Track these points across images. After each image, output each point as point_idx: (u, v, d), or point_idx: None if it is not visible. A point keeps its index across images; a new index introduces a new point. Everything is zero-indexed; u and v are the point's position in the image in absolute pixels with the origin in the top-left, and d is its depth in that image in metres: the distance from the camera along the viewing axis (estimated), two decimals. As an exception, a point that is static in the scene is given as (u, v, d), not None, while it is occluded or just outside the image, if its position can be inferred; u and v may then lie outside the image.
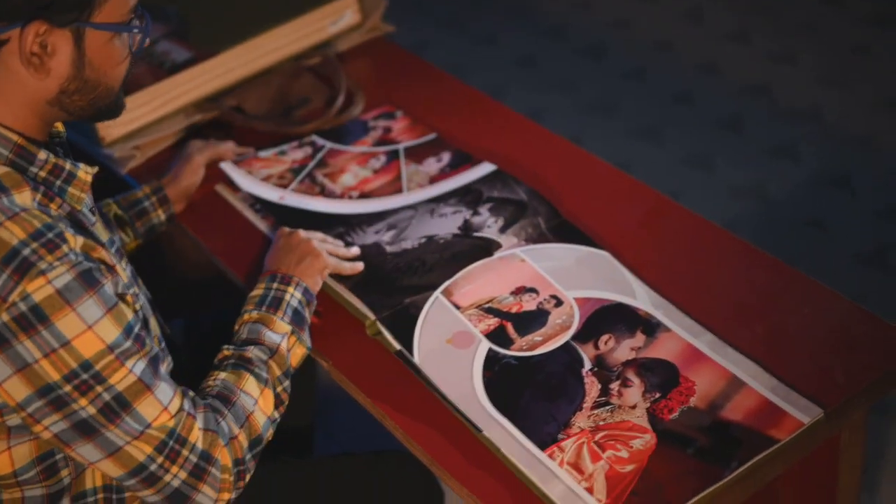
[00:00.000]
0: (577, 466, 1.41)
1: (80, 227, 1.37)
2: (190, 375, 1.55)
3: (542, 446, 1.44)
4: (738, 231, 1.75)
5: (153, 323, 1.50)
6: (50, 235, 1.29)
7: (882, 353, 1.53)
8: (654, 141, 3.28)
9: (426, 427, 1.51)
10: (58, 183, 1.39)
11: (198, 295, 2.20)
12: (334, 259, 1.70)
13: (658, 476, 1.39)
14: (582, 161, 1.94)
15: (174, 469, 1.35)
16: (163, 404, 1.34)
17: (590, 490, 1.38)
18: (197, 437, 1.37)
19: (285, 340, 1.55)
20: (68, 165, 1.40)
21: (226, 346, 1.53)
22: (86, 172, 1.42)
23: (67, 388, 1.29)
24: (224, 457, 1.39)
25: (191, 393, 1.41)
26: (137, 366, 1.33)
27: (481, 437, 1.47)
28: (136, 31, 1.40)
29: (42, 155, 1.37)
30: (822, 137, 3.21)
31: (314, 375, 2.01)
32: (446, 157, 1.96)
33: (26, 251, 1.27)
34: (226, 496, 1.40)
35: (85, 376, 1.29)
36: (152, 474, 1.35)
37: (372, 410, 1.57)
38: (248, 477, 1.43)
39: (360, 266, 1.73)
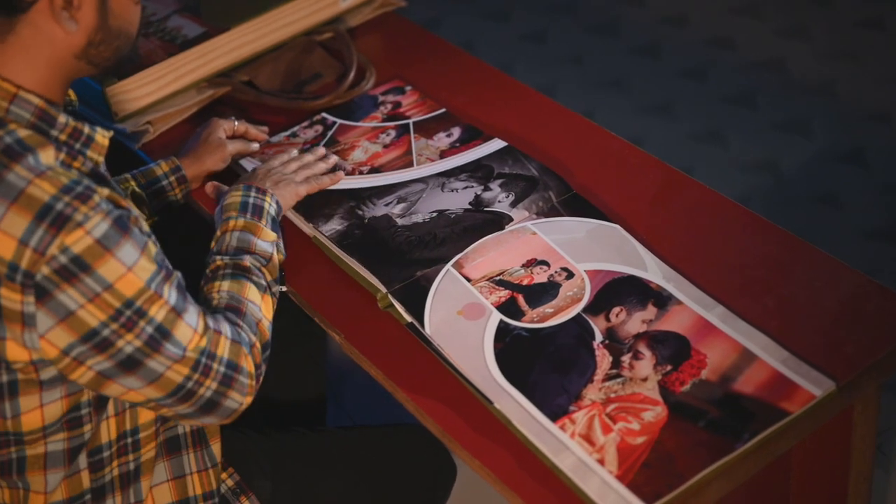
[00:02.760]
0: (588, 438, 1.41)
1: (104, 181, 1.40)
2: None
3: (554, 418, 1.44)
4: (750, 206, 1.75)
5: None
6: (80, 188, 1.32)
7: (895, 325, 1.52)
8: (666, 116, 3.28)
9: (438, 399, 1.51)
10: (77, 146, 1.42)
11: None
12: (307, 184, 1.79)
13: (669, 448, 1.39)
14: (593, 135, 1.93)
15: (207, 382, 1.43)
16: (193, 327, 1.41)
17: (601, 462, 1.38)
18: (224, 349, 1.44)
19: (274, 248, 1.63)
20: (87, 129, 1.43)
21: (217, 256, 1.59)
22: (102, 136, 1.45)
23: (114, 325, 1.34)
24: (248, 364, 1.47)
25: (209, 310, 1.50)
26: (171, 294, 1.39)
27: (493, 409, 1.47)
28: None
29: (62, 119, 1.40)
30: (835, 112, 3.20)
31: (325, 348, 2.02)
32: (456, 131, 1.96)
33: (59, 205, 1.30)
34: (248, 399, 1.47)
35: (129, 313, 1.34)
36: (189, 391, 1.42)
37: (384, 383, 1.57)
38: (261, 380, 1.51)
39: (340, 175, 1.83)
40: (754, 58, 3.45)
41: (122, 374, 1.37)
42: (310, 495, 1.68)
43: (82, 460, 1.47)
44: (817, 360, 1.47)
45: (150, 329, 1.36)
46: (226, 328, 1.46)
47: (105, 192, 1.36)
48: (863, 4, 3.61)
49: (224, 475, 1.62)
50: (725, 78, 3.39)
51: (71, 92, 1.54)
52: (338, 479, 1.70)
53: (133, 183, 1.81)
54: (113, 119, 2.01)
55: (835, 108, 3.22)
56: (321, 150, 1.88)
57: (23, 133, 1.36)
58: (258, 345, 1.50)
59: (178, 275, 1.43)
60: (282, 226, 1.73)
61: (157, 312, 1.37)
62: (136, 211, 1.42)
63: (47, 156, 1.35)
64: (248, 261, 1.58)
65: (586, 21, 3.73)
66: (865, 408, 1.57)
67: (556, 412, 1.45)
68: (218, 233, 1.63)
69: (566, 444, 1.41)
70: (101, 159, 1.45)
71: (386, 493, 1.73)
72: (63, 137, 1.40)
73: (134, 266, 1.35)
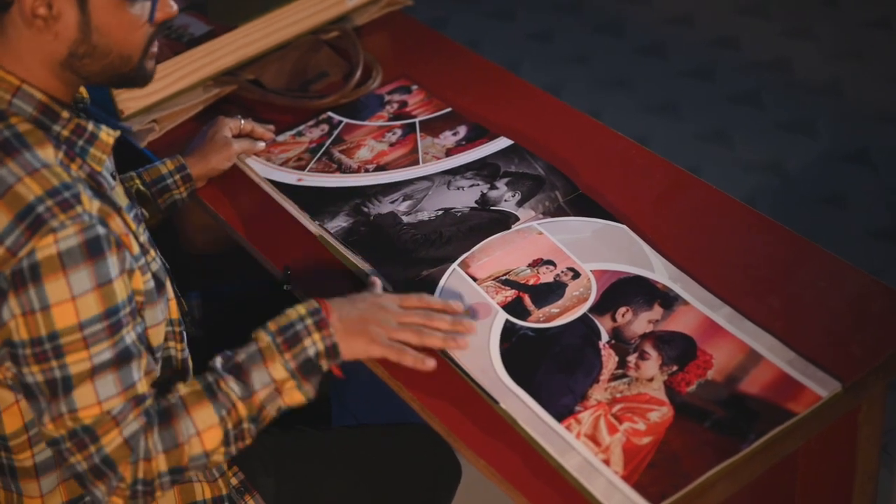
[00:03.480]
0: (593, 438, 1.41)
1: (99, 191, 1.38)
2: (206, 348, 1.55)
3: (559, 418, 1.44)
4: (755, 206, 1.75)
5: (168, 287, 1.51)
6: (66, 195, 1.30)
7: (900, 326, 1.53)
8: (672, 116, 3.28)
9: (443, 399, 1.51)
10: (80, 143, 1.40)
11: (214, 267, 2.21)
12: (388, 349, 1.50)
13: (675, 448, 1.39)
14: (600, 135, 1.93)
15: (78, 457, 1.35)
16: (97, 399, 1.33)
17: (606, 462, 1.38)
18: (110, 441, 1.34)
19: (270, 388, 1.43)
20: (91, 126, 1.41)
21: (218, 359, 1.45)
22: (108, 134, 1.43)
23: (27, 351, 1.31)
24: (126, 472, 1.35)
25: (148, 402, 1.37)
26: (100, 355, 1.32)
27: (498, 408, 1.47)
28: None
29: (65, 114, 1.39)
30: (841, 112, 3.20)
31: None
32: (462, 130, 1.96)
33: (41, 208, 1.29)
34: (117, 501, 1.37)
35: (47, 346, 1.30)
36: (61, 452, 1.36)
37: (389, 382, 1.57)
38: (152, 498, 1.39)
39: (430, 363, 1.50)
40: (760, 58, 3.45)
41: (22, 393, 1.36)
42: (313, 494, 1.68)
43: None
44: (823, 361, 1.47)
45: (56, 374, 1.31)
46: (130, 427, 1.34)
47: (95, 204, 1.33)
48: (869, 4, 3.61)
49: (228, 473, 1.62)
50: (731, 78, 3.38)
51: (83, 89, 1.53)
52: (341, 478, 1.69)
53: (138, 181, 1.81)
54: (118, 117, 2.01)
55: (840, 108, 3.21)
56: (462, 323, 1.55)
57: (23, 128, 1.35)
58: (159, 462, 1.36)
59: (127, 338, 1.34)
60: (315, 327, 1.46)
61: (74, 365, 1.31)
62: (131, 228, 1.39)
63: (46, 153, 1.34)
64: (227, 384, 1.41)
65: (592, 21, 3.73)
66: (871, 408, 1.56)
67: (561, 412, 1.45)
68: (253, 333, 1.47)
69: (572, 445, 1.41)
70: (105, 158, 1.43)
71: (390, 492, 1.72)
72: (66, 133, 1.38)
73: (78, 298, 1.29)
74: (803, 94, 3.28)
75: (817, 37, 3.50)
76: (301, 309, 1.47)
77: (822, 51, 3.44)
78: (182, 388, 1.42)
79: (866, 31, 3.50)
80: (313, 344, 1.45)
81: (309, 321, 1.46)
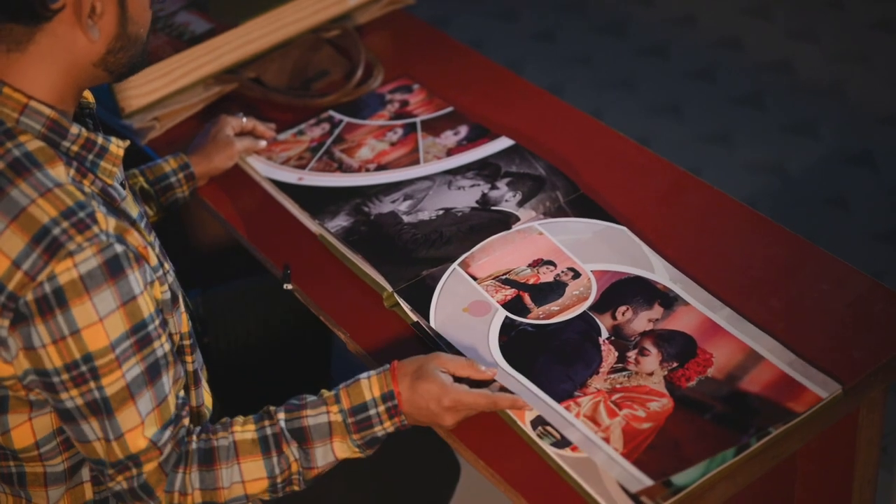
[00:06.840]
0: (593, 419, 1.42)
1: (113, 206, 1.36)
2: (206, 346, 1.54)
3: (559, 400, 1.45)
4: (757, 208, 1.75)
5: (181, 300, 1.49)
6: (81, 215, 1.29)
7: (901, 328, 1.52)
8: (674, 117, 3.27)
9: (442, 398, 1.51)
10: (90, 157, 1.38)
11: (214, 265, 2.20)
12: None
13: (675, 435, 1.39)
14: (601, 135, 1.93)
15: (119, 478, 1.37)
16: (140, 418, 1.34)
17: (606, 440, 1.40)
18: (149, 470, 1.37)
19: (332, 462, 1.45)
20: (100, 139, 1.39)
21: (288, 406, 1.45)
22: (117, 146, 1.41)
23: (64, 376, 1.30)
24: (162, 497, 1.39)
25: (185, 421, 1.39)
26: (133, 369, 1.32)
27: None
28: None
29: (74, 129, 1.36)
30: (843, 114, 3.20)
31: (331, 347, 2.02)
32: (463, 130, 1.95)
33: (56, 230, 1.27)
34: None
35: (83, 368, 1.30)
36: (103, 472, 1.38)
37: (388, 381, 1.57)
38: None
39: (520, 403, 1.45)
40: (763, 59, 3.44)
41: (62, 419, 1.36)
42: (313, 494, 1.67)
43: (84, 472, 1.45)
44: (823, 363, 1.47)
45: (96, 395, 1.31)
46: (171, 455, 1.38)
47: (112, 222, 1.32)
48: (873, 6, 3.60)
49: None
50: (733, 79, 3.38)
51: (88, 93, 1.50)
52: (341, 479, 1.69)
53: (141, 178, 1.81)
54: (120, 115, 2.01)
55: (843, 110, 3.21)
56: None
57: (33, 146, 1.32)
58: (194, 499, 1.40)
59: (156, 358, 1.36)
60: (387, 414, 1.45)
61: (110, 385, 1.31)
62: (147, 240, 1.38)
63: (57, 171, 1.32)
64: (289, 449, 1.43)
65: (595, 21, 3.73)
66: (870, 411, 1.56)
67: (560, 395, 1.46)
68: (316, 398, 1.46)
69: (571, 422, 1.42)
70: (116, 170, 1.40)
71: (389, 492, 1.72)
72: (75, 149, 1.36)
73: (106, 318, 1.29)
74: (806, 96, 3.28)
75: (820, 38, 3.50)
76: (377, 389, 1.44)
77: (825, 52, 3.44)
78: (237, 431, 1.43)
79: (869, 33, 3.49)
80: (384, 430, 1.46)
81: (381, 408, 1.45)
